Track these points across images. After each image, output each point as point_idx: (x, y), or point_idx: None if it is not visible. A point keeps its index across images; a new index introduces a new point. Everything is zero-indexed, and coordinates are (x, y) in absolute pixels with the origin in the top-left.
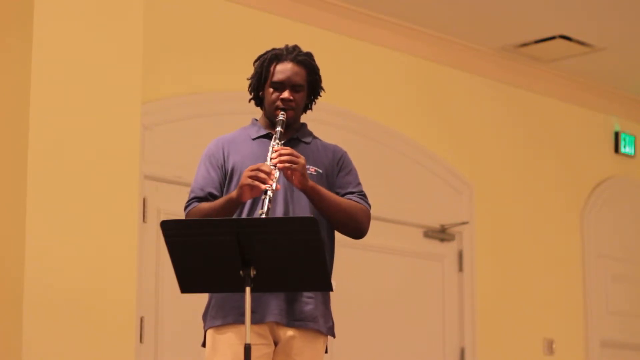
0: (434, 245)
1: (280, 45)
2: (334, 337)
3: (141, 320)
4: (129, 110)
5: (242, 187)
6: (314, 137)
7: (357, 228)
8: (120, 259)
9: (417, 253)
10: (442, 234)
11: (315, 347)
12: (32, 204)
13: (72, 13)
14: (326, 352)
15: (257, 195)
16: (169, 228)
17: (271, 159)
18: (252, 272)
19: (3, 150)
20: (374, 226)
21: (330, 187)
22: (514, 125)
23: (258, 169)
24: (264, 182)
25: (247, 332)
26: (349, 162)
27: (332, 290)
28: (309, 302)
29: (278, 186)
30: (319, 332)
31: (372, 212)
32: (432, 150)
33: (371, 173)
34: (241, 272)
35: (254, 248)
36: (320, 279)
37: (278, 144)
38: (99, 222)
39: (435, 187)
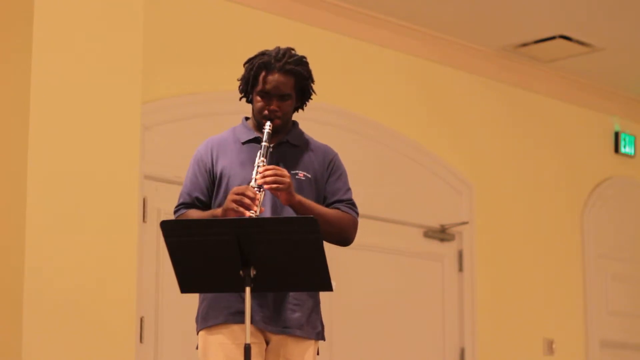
0: (434, 245)
1: (280, 44)
2: (324, 340)
3: (141, 320)
4: (129, 110)
5: (227, 211)
6: (305, 138)
7: (343, 238)
8: (120, 259)
9: (417, 253)
10: (442, 234)
11: (304, 350)
12: (32, 204)
13: (73, 13)
14: (318, 353)
15: None
16: (169, 228)
17: (256, 179)
18: (252, 272)
19: (3, 150)
20: (374, 226)
21: (319, 191)
22: (514, 125)
23: (243, 194)
24: (249, 208)
25: (247, 332)
26: (340, 166)
27: (332, 290)
28: (295, 309)
29: (262, 208)
30: (306, 338)
31: (372, 212)
32: (432, 150)
33: (371, 173)
34: (241, 272)
35: (254, 248)
36: (320, 279)
37: (263, 162)
38: (99, 222)
39: (435, 187)
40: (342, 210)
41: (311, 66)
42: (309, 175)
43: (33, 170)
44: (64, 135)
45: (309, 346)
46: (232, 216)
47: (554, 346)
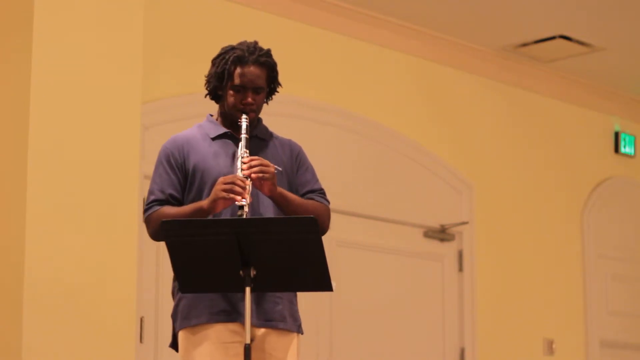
0: (434, 245)
1: (280, 44)
2: (302, 334)
3: (141, 320)
4: (129, 110)
5: (216, 201)
6: (270, 132)
7: (320, 228)
8: (120, 259)
9: (417, 253)
10: (442, 234)
11: (288, 343)
12: (32, 204)
13: (73, 13)
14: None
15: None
16: (169, 228)
17: (242, 169)
18: (252, 272)
19: (3, 150)
20: (374, 226)
21: (291, 183)
22: (514, 125)
23: (233, 182)
24: (240, 196)
25: (247, 332)
26: (306, 159)
27: (332, 290)
28: (277, 302)
29: (250, 198)
30: (289, 330)
31: (372, 212)
32: (432, 150)
33: (371, 173)
34: (241, 272)
35: (254, 248)
36: (320, 279)
37: (246, 152)
38: (99, 222)
39: (435, 187)
40: (317, 200)
41: (310, 65)
42: (280, 169)
43: (33, 170)
44: (63, 135)
45: (292, 339)
46: (222, 205)
47: (554, 346)
